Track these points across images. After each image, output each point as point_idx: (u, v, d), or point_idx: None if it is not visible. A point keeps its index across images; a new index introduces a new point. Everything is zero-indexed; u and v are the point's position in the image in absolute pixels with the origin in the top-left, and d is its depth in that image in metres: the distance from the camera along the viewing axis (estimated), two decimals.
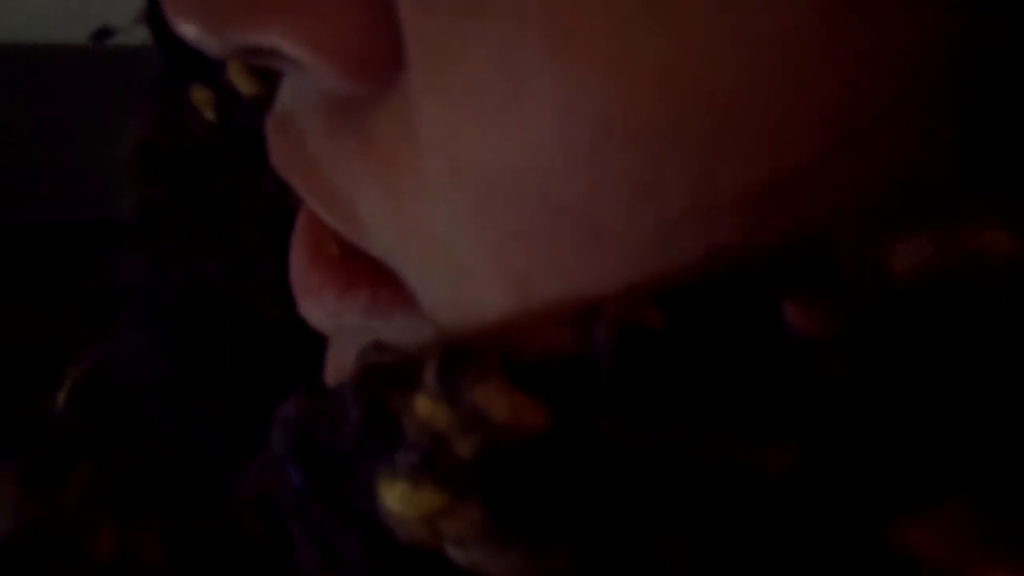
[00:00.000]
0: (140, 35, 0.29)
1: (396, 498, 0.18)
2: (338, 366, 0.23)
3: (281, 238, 0.26)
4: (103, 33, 0.32)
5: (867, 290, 0.16)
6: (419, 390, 0.18)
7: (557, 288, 0.18)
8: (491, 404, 0.17)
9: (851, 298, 0.16)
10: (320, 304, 0.21)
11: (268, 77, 0.28)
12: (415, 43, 0.18)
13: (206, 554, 0.26)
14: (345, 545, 0.19)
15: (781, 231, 0.17)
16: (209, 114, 0.28)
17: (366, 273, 0.20)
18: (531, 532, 0.17)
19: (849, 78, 0.16)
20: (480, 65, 0.17)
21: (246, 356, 0.27)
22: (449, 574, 0.18)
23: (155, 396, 0.28)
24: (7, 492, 0.27)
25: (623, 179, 0.17)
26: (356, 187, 0.19)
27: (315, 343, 0.25)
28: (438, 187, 0.18)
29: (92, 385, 0.29)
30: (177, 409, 0.27)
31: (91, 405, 0.29)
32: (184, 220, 0.28)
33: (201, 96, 0.28)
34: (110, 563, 0.26)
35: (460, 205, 0.18)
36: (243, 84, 0.28)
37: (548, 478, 0.17)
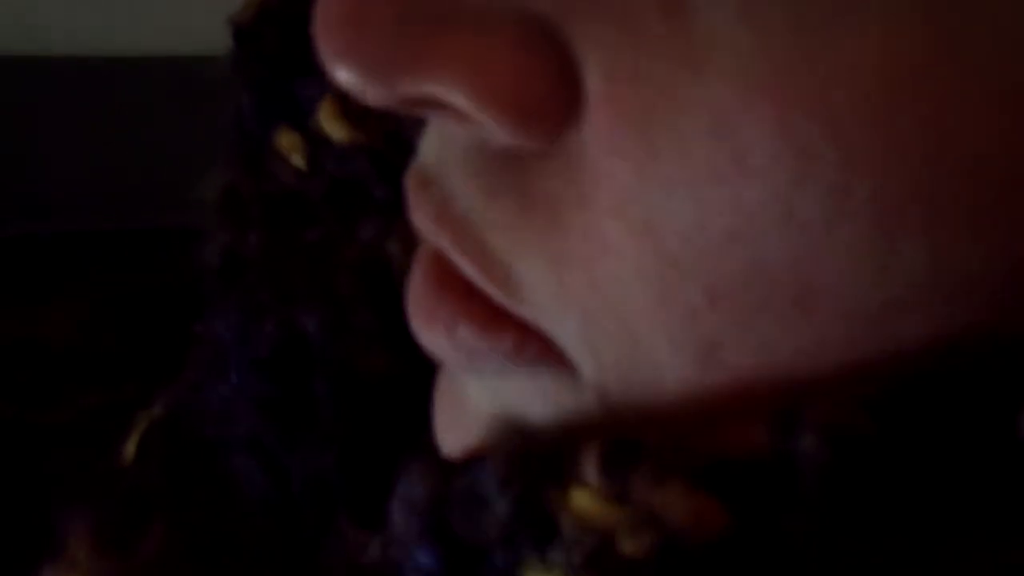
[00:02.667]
0: (148, 47, 0.28)
1: None
2: (448, 414, 0.22)
3: (378, 289, 0.25)
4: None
5: None
6: (578, 485, 0.17)
7: (751, 359, 0.17)
8: (670, 506, 0.16)
9: None
10: (450, 335, 0.20)
11: (363, 123, 0.27)
12: (602, 104, 0.17)
13: None
14: None
15: (1012, 320, 0.16)
16: (298, 160, 0.27)
17: (508, 315, 0.19)
18: None
19: None
20: (689, 128, 0.16)
21: (342, 412, 0.26)
22: None
23: (244, 452, 0.26)
24: (81, 547, 0.26)
25: (852, 250, 0.16)
26: (515, 247, 0.18)
27: (414, 398, 0.24)
28: (616, 250, 0.17)
29: (166, 436, 0.28)
30: (269, 467, 0.26)
31: (166, 457, 0.28)
32: (275, 270, 0.27)
33: (288, 142, 0.28)
34: None
35: (643, 268, 0.17)
36: (335, 130, 0.27)
37: None
